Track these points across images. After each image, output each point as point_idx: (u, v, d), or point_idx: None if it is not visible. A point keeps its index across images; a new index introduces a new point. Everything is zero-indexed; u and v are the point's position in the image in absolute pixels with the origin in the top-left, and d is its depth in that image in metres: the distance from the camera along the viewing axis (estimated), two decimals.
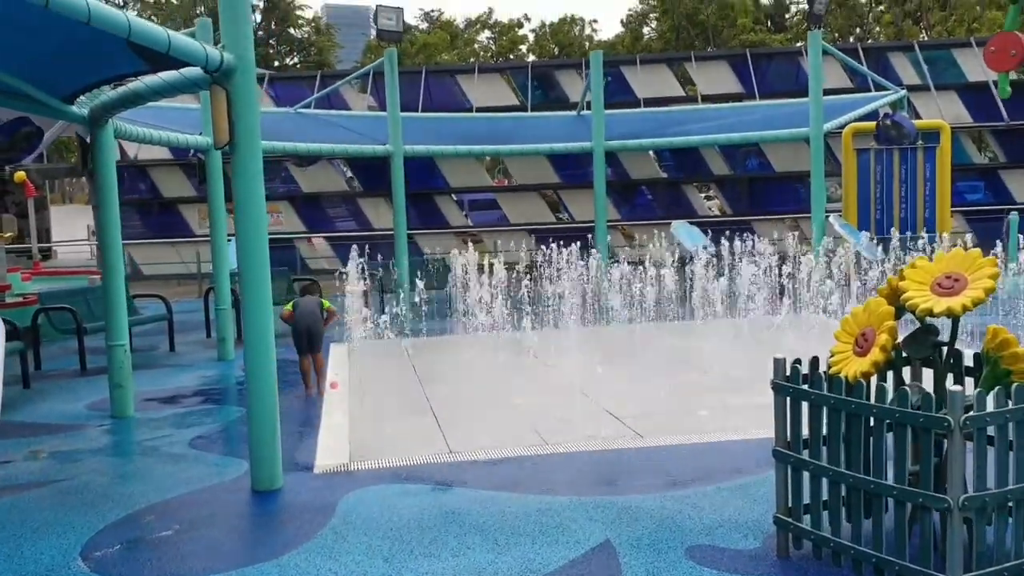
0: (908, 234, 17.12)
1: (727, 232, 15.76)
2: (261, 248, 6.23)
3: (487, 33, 60.50)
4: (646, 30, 55.09)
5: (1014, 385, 4.06)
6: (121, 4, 50.66)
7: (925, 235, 16.12)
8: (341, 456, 7.00)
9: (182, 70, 6.42)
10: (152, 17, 49.00)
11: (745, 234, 16.02)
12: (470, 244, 15.99)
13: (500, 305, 12.14)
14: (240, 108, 6.05)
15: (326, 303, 9.66)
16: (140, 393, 9.52)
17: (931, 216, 19.04)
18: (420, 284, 13.17)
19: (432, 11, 61.71)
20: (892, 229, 17.71)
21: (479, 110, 26.04)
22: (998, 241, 15.34)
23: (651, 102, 26.37)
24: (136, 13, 49.66)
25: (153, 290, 15.22)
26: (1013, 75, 26.33)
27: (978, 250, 4.49)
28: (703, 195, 30.74)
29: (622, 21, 56.51)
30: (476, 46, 58.39)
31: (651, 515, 5.45)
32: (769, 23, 53.43)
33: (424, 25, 60.21)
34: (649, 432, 7.44)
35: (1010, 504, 4.07)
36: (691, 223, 19.33)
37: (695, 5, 49.52)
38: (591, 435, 7.40)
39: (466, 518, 5.49)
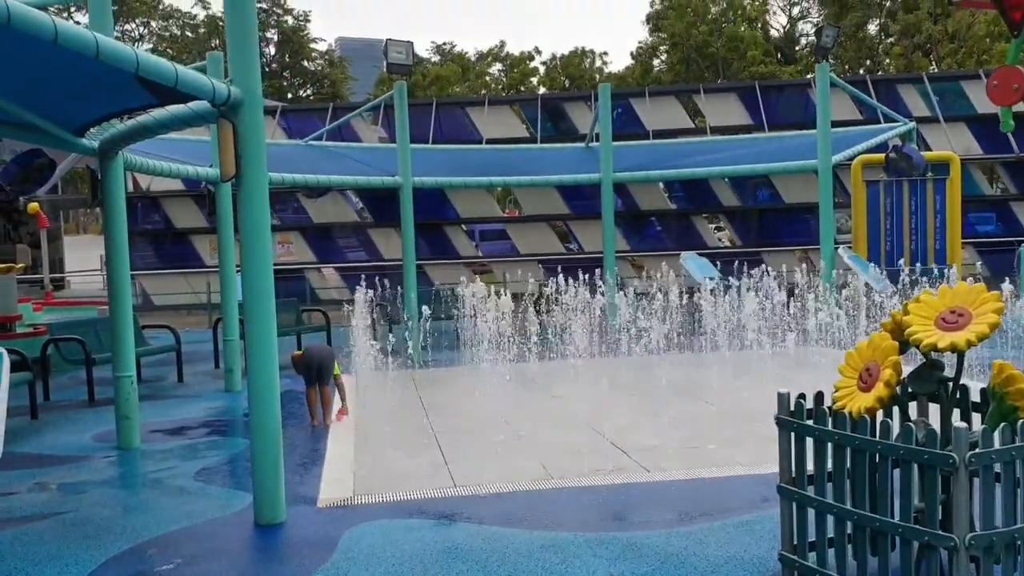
0: (918, 266, 17.06)
1: (736, 263, 15.72)
2: (266, 279, 6.24)
3: (498, 66, 60.97)
4: (656, 62, 55.40)
5: (1020, 421, 4.02)
6: (137, 38, 51.39)
7: (936, 267, 16.06)
8: (345, 490, 6.97)
9: (190, 103, 6.48)
10: (168, 50, 49.66)
11: (755, 266, 15.99)
12: (477, 277, 15.97)
13: (508, 336, 12.12)
14: (247, 141, 6.09)
15: (337, 370, 9.75)
16: (147, 424, 9.52)
17: (941, 248, 18.96)
18: (428, 314, 13.18)
19: (444, 44, 62.32)
20: (902, 261, 17.65)
21: (489, 142, 26.16)
22: (1007, 277, 15.26)
23: (660, 134, 26.45)
24: (152, 47, 50.42)
25: (164, 320, 15.25)
26: (1021, 106, 26.39)
27: (983, 284, 4.46)
28: (713, 226, 30.72)
29: (632, 54, 56.90)
30: (487, 78, 58.84)
31: (656, 552, 5.39)
32: (779, 55, 53.69)
33: (436, 58, 60.77)
34: (656, 466, 7.39)
35: (1018, 543, 4.01)
36: (700, 254, 19.33)
37: (705, 38, 49.82)
38: (597, 469, 7.35)
39: (469, 554, 5.44)
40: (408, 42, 15.25)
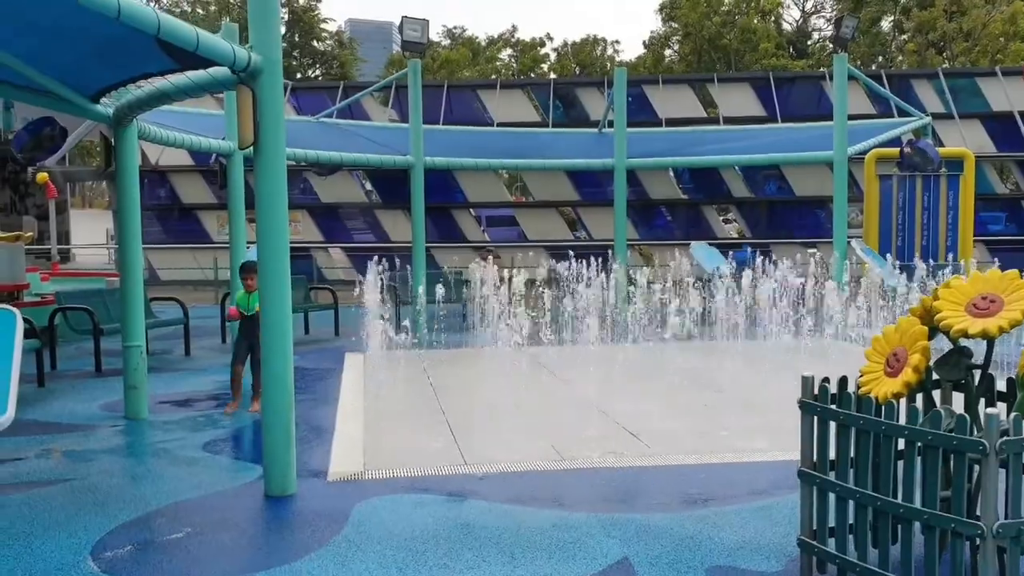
0: (931, 262, 16.96)
1: (755, 251, 15.64)
2: (282, 249, 6.18)
3: (509, 51, 60.73)
4: (668, 52, 55.14)
5: None
6: None
7: (951, 262, 15.95)
8: (355, 464, 6.92)
9: (209, 69, 6.41)
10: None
11: (764, 257, 15.92)
12: (490, 258, 15.88)
13: (518, 320, 12.06)
14: (266, 109, 6.02)
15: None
16: (154, 396, 9.48)
17: (953, 244, 18.87)
18: (438, 296, 13.13)
19: (455, 28, 62.05)
20: (915, 256, 17.56)
21: (500, 126, 26.07)
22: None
23: (673, 122, 26.36)
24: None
25: (170, 295, 15.21)
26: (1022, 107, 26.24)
27: (1016, 271, 4.38)
28: (722, 217, 30.65)
29: (644, 43, 56.63)
30: (498, 63, 58.61)
31: (670, 534, 5.34)
32: (791, 49, 53.39)
33: (447, 42, 60.51)
34: (668, 450, 7.33)
35: None
36: (710, 244, 19.25)
37: (717, 29, 49.56)
38: (609, 451, 7.29)
39: (481, 531, 5.39)
40: (424, 20, 15.14)
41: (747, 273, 13.85)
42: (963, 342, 4.47)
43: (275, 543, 5.35)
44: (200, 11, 53.88)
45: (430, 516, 5.68)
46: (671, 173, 27.29)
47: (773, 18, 54.05)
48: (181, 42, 5.58)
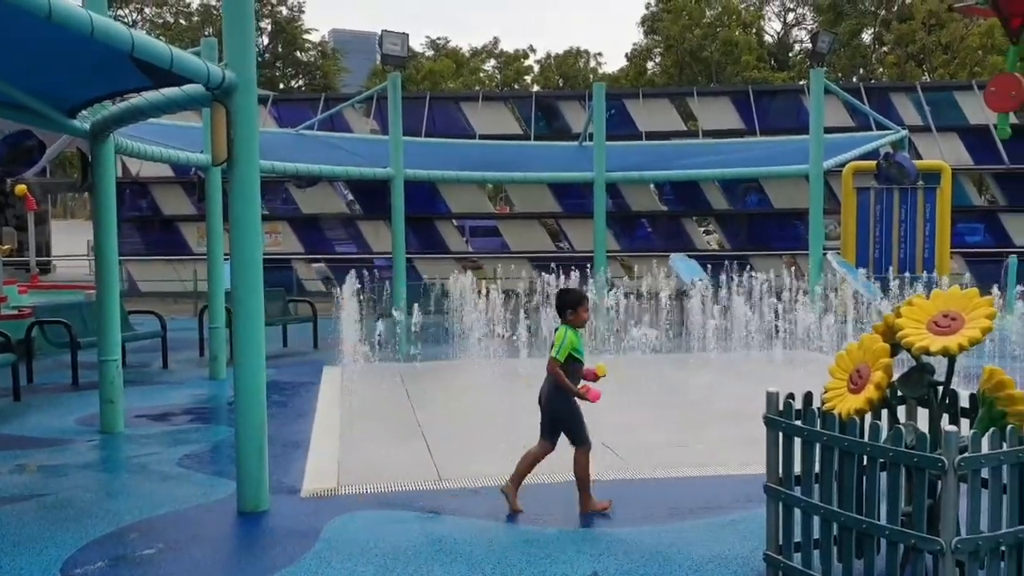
0: (907, 275, 17.13)
1: (725, 265, 15.76)
2: (255, 265, 6.20)
3: (492, 62, 60.94)
4: (650, 65, 55.47)
5: (1009, 427, 4.02)
6: (131, 24, 51.06)
7: (924, 275, 16.12)
8: (329, 480, 6.93)
9: (184, 86, 6.43)
10: (160, 37, 49.36)
11: (743, 269, 16.04)
12: (468, 272, 15.85)
13: (497, 332, 12.10)
14: (240, 126, 6.05)
15: None
16: (131, 409, 9.44)
17: (930, 257, 19.06)
18: (417, 308, 13.14)
19: (438, 39, 62.16)
20: (891, 268, 17.72)
21: (482, 138, 26.14)
22: (995, 285, 15.33)
23: (653, 135, 26.50)
24: (146, 33, 50.16)
25: (149, 307, 15.16)
26: (1013, 118, 26.55)
27: (976, 290, 4.46)
28: (702, 229, 30.81)
29: (626, 55, 56.93)
30: (481, 75, 58.78)
31: (641, 549, 5.38)
32: (772, 61, 53.82)
33: (430, 53, 60.64)
34: (642, 464, 7.37)
35: (1002, 548, 4.01)
36: (689, 256, 19.37)
37: (699, 41, 49.90)
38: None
39: (453, 547, 5.42)
40: (404, 34, 15.19)
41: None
42: (925, 359, 4.54)
43: (246, 560, 5.36)
44: (183, 21, 53.80)
45: (403, 532, 5.69)
46: (652, 185, 27.43)
47: (754, 30, 54.49)
48: (155, 60, 5.60)
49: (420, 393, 10.74)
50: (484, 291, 12.52)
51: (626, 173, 18.24)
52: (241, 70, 6.06)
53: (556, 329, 6.15)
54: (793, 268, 20.70)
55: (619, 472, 7.16)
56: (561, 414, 6.10)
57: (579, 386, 6.03)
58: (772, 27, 57.89)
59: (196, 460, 7.70)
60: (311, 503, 6.40)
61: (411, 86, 45.43)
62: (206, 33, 45.96)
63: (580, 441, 6.11)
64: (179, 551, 5.42)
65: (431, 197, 26.45)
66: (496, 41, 61.43)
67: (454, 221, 27.95)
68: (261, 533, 5.79)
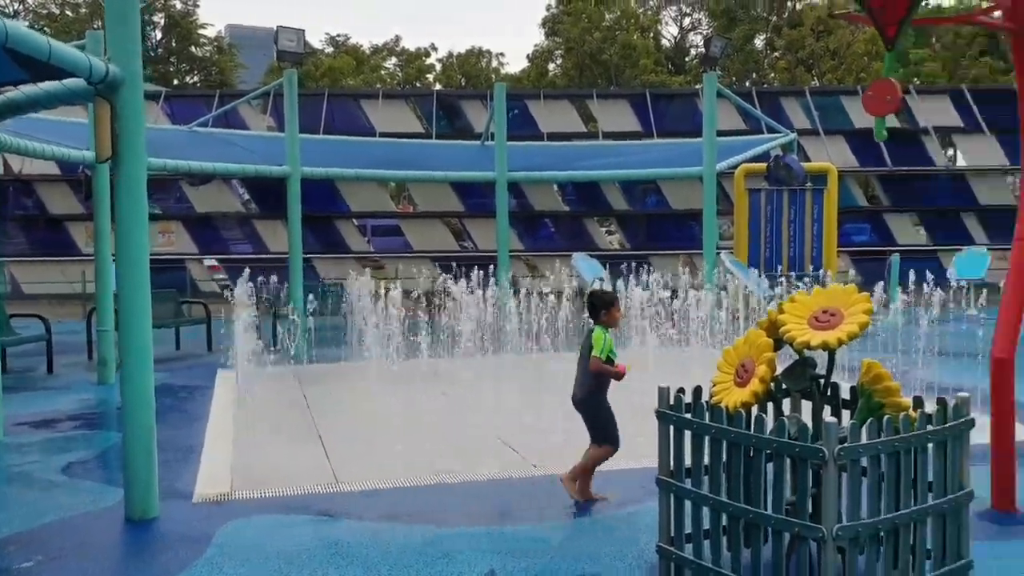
0: (793, 273, 17.71)
1: (624, 265, 16.04)
2: (141, 265, 6.00)
3: (394, 60, 60.44)
4: (551, 66, 55.89)
5: (886, 418, 4.20)
6: (12, 14, 48.79)
7: (811, 273, 16.70)
8: (222, 485, 6.76)
9: (64, 80, 6.17)
10: (46, 29, 47.26)
11: (642, 268, 16.35)
12: (367, 271, 15.59)
13: (397, 332, 12.00)
14: (125, 122, 5.84)
15: None
16: (11, 416, 9.03)
17: (818, 255, 19.77)
18: (314, 309, 12.95)
19: (338, 36, 61.28)
20: (780, 267, 18.31)
21: (382, 136, 25.92)
22: (880, 282, 16.00)
23: (554, 136, 26.77)
24: (28, 24, 47.85)
25: (36, 310, 14.50)
26: (896, 123, 27.78)
27: (854, 286, 4.65)
28: (604, 229, 31.27)
29: (528, 56, 57.26)
30: (382, 72, 58.23)
31: (539, 545, 5.41)
32: (670, 65, 54.93)
33: (329, 49, 59.76)
34: (543, 461, 7.42)
35: (882, 534, 4.19)
36: (591, 256, 19.62)
37: (599, 45, 50.54)
38: (484, 465, 7.34)
39: (349, 550, 5.35)
40: (300, 30, 14.95)
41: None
42: (807, 353, 4.71)
43: (134, 568, 5.18)
44: (69, 13, 51.63)
45: (297, 536, 5.60)
46: (555, 186, 27.70)
47: (652, 34, 55.51)
48: (32, 51, 5.35)
49: (317, 395, 10.59)
50: (384, 291, 12.40)
51: (528, 173, 18.38)
52: (126, 64, 5.85)
53: (591, 331, 6.25)
54: (689, 267, 21.19)
55: (518, 470, 7.20)
56: (593, 414, 6.32)
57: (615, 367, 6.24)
58: (669, 31, 59.12)
59: (83, 468, 7.41)
60: (203, 508, 6.23)
61: (309, 83, 44.68)
62: (95, 26, 44.28)
63: (609, 441, 6.30)
64: (62, 561, 5.21)
65: (331, 196, 26.09)
66: (398, 39, 61.00)
67: (355, 220, 27.64)
68: (151, 540, 5.61)
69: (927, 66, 45.63)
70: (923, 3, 4.87)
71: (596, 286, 14.24)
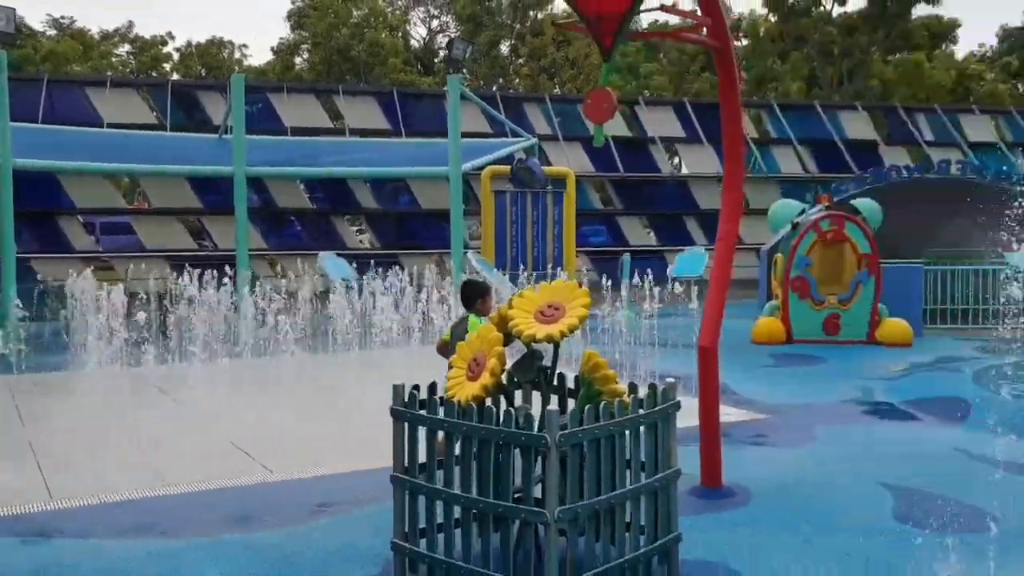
0: (535, 273, 18.45)
1: (372, 263, 15.98)
2: None
3: (127, 48, 56.60)
4: (298, 60, 54.66)
5: (603, 404, 4.46)
6: None
7: (552, 271, 17.48)
8: None
9: None
10: None
11: (393, 267, 16.37)
12: (90, 272, 14.35)
13: (125, 337, 11.26)
14: None
15: None
16: None
17: (559, 255, 20.74)
18: (25, 315, 11.86)
19: (62, 18, 56.44)
20: (522, 266, 19.01)
21: (110, 126, 24.16)
22: (612, 279, 17.01)
23: (299, 131, 26.15)
24: None
25: None
26: (627, 132, 29.70)
27: (575, 282, 4.91)
28: (354, 228, 30.97)
29: (273, 49, 55.62)
30: (113, 60, 54.34)
31: (271, 551, 5.28)
32: (419, 65, 55.45)
33: (52, 32, 54.95)
34: (279, 466, 7.24)
35: (601, 514, 4.44)
36: (339, 255, 19.39)
37: (347, 41, 50.06)
38: (217, 472, 7.04)
39: (65, 570, 4.95)
40: (10, 8, 13.64)
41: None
42: (535, 346, 4.91)
43: None
44: None
45: (2, 558, 5.10)
46: (300, 183, 27.08)
47: (401, 34, 55.75)
48: None
49: (33, 407, 9.70)
50: (108, 293, 11.58)
51: (270, 168, 17.87)
52: None
53: (465, 317, 6.43)
54: (439, 267, 21.51)
55: (255, 476, 6.98)
56: None
57: None
58: (419, 32, 59.67)
59: None
60: None
61: (29, 67, 40.88)
62: None
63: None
64: None
65: (52, 190, 23.95)
66: (131, 25, 57.14)
67: (80, 217, 25.56)
68: None
69: (655, 80, 49.15)
70: (636, 17, 5.23)
71: (346, 284, 14.11)
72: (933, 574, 4.59)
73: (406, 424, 4.77)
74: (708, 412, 6.37)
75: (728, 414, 8.56)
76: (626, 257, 20.50)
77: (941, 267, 16.39)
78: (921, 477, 6.66)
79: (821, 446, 7.81)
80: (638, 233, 29.99)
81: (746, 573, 4.87)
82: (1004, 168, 21.00)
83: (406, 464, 4.78)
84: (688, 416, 6.30)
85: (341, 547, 5.35)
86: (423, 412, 4.72)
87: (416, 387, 4.82)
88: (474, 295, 6.56)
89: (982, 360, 12.06)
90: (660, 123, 30.81)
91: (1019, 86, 52.53)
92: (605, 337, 13.29)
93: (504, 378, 4.92)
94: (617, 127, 30.26)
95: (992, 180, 17.92)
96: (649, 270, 14.46)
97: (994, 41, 55.25)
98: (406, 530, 4.77)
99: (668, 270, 16.92)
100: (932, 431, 8.39)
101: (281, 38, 55.58)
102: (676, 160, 36.00)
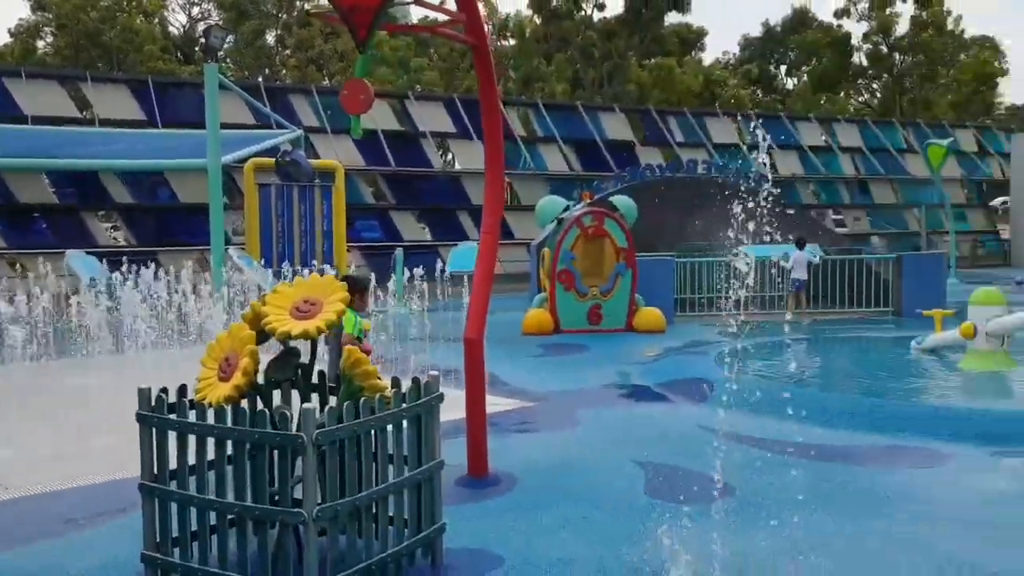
0: (304, 269, 18.05)
1: (124, 260, 15.00)
2: None
3: None
4: (41, 44, 50.30)
5: (362, 400, 4.43)
6: None
7: (323, 267, 17.13)
8: None
9: None
10: None
11: (151, 265, 15.46)
12: None
13: None
14: None
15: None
16: None
17: (329, 250, 20.39)
18: None
19: None
20: (286, 263, 18.53)
21: None
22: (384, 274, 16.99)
23: (41, 121, 24.07)
24: None
25: None
26: (397, 126, 29.66)
27: (332, 276, 4.84)
28: (108, 225, 28.97)
29: (10, 31, 50.85)
30: None
31: (16, 573, 4.83)
32: (179, 54, 52.66)
33: None
34: (18, 482, 6.64)
35: (362, 511, 4.41)
36: (89, 253, 18.12)
37: (97, 25, 46.65)
38: None
39: None
40: None
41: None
42: (292, 343, 4.79)
43: None
44: None
45: None
46: (44, 176, 24.95)
47: (157, 20, 52.68)
48: None
49: None
50: None
51: (8, 160, 16.36)
52: None
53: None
54: (199, 264, 20.54)
55: None
56: None
57: None
58: (178, 19, 56.63)
59: None
60: None
61: None
62: None
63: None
64: None
65: None
66: None
67: None
68: None
69: (426, 75, 49.43)
70: (391, 8, 5.21)
71: (96, 284, 13.17)
72: (681, 541, 4.91)
73: (153, 429, 4.51)
74: (474, 403, 6.47)
75: (496, 404, 8.77)
76: (399, 252, 20.52)
77: (690, 259, 17.60)
78: (669, 453, 7.13)
79: (583, 430, 8.17)
80: (412, 228, 30.08)
81: (508, 557, 4.99)
82: (741, 166, 22.94)
83: (155, 471, 4.52)
84: (458, 408, 6.43)
85: (90, 561, 4.98)
86: (172, 416, 4.48)
87: (164, 390, 4.57)
88: (351, 290, 6.36)
89: (723, 343, 13.08)
90: (431, 118, 31.04)
91: (758, 92, 57.49)
92: (377, 333, 13.22)
93: (261, 378, 4.78)
94: (387, 121, 30.19)
95: (733, 179, 19.43)
96: (421, 266, 14.56)
97: (737, 50, 60.16)
98: (158, 540, 4.52)
99: (440, 265, 17.10)
100: (680, 410, 9.00)
101: (20, 19, 50.90)
102: (450, 156, 36.39)
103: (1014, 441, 7.40)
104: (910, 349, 11.93)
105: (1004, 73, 54.88)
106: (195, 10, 56.65)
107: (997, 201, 41.55)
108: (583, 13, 46.71)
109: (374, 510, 4.50)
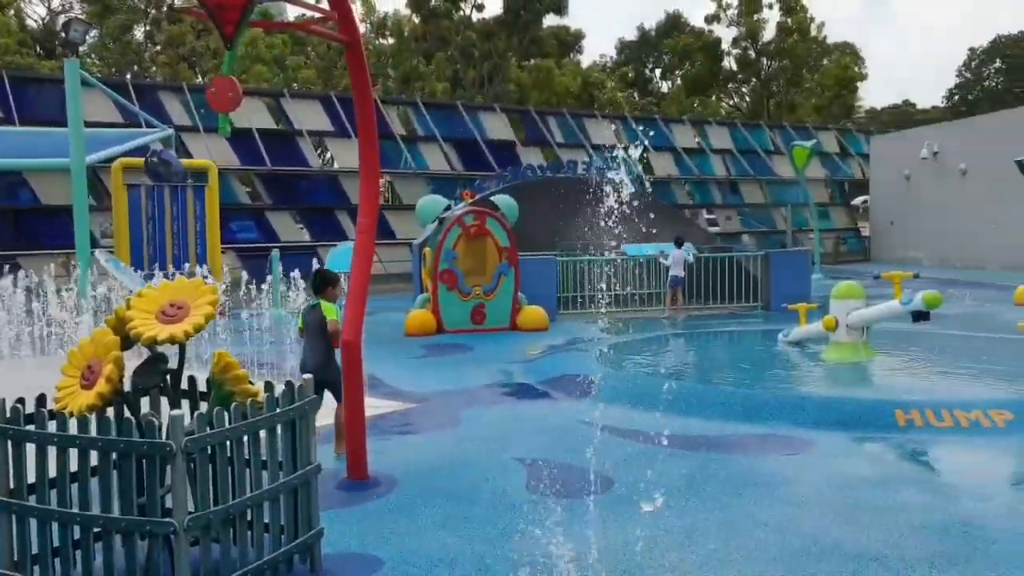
0: (178, 271, 17.46)
1: None
2: None
3: None
4: None
5: (234, 405, 4.32)
6: None
7: (199, 269, 16.59)
8: None
9: None
10: None
11: (11, 271, 14.68)
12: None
13: None
14: None
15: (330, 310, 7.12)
16: None
17: (203, 252, 19.75)
18: None
19: None
20: (155, 266, 17.89)
21: None
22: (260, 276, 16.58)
23: None
24: None
25: None
26: (272, 124, 29.00)
27: (200, 279, 4.69)
28: None
29: None
30: None
31: None
32: (39, 48, 50.10)
33: None
34: None
35: (235, 518, 4.30)
36: None
37: None
38: None
39: None
40: None
41: None
42: (159, 348, 4.63)
43: None
44: None
45: None
46: None
47: (13, 12, 49.95)
48: None
49: None
50: None
51: None
52: None
53: (315, 305, 7.14)
54: (64, 268, 19.60)
55: None
56: (333, 377, 6.87)
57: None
58: (37, 12, 53.87)
59: None
60: None
61: None
62: None
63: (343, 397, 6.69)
64: None
65: None
66: None
67: None
68: None
69: (303, 73, 48.54)
70: (258, 5, 5.09)
71: None
72: (560, 535, 4.98)
73: (8, 442, 4.28)
74: (353, 405, 6.40)
75: (376, 406, 8.70)
76: (275, 253, 20.06)
77: (571, 258, 17.87)
78: (550, 449, 7.22)
79: (464, 429, 8.18)
80: (290, 228, 29.49)
81: (388, 558, 4.96)
82: (622, 167, 23.38)
83: (12, 486, 4.29)
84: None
85: None
86: (30, 427, 4.26)
87: (20, 400, 4.34)
88: (324, 283, 7.20)
89: (603, 340, 13.33)
90: (307, 116, 30.49)
91: (635, 94, 58.87)
92: (251, 336, 12.93)
93: (128, 385, 4.60)
94: (263, 119, 29.52)
95: (610, 179, 19.81)
96: (298, 267, 14.30)
97: (614, 53, 61.43)
98: (15, 559, 4.29)
99: (317, 265, 16.78)
100: (562, 406, 9.13)
101: None
102: (328, 155, 35.82)
103: (872, 427, 7.82)
104: (777, 342, 12.45)
105: (863, 78, 57.85)
106: (55, 2, 54.04)
107: (858, 200, 43.86)
108: (462, 13, 46.78)
109: (249, 517, 4.39)
